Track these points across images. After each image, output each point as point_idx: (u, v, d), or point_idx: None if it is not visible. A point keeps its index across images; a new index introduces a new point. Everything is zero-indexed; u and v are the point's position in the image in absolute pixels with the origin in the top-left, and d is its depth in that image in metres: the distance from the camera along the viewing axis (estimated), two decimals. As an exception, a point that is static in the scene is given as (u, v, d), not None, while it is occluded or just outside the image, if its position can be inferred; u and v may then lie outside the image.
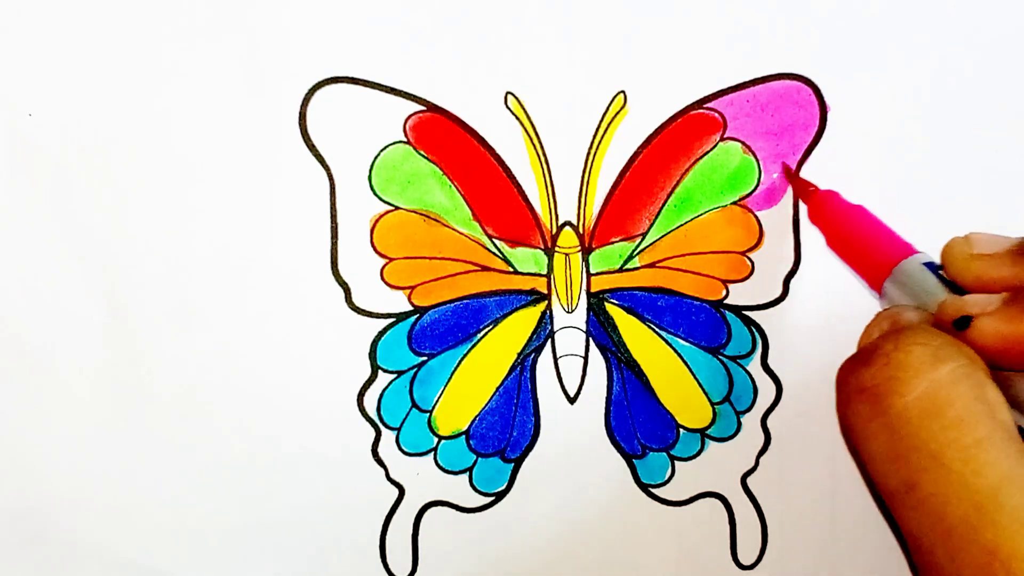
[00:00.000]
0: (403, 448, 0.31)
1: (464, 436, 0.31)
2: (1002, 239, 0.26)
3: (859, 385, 0.22)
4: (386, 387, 0.30)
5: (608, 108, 0.30)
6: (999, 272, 0.25)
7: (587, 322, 0.31)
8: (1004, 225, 0.30)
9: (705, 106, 0.30)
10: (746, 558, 0.32)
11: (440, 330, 0.31)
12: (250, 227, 0.29)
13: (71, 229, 0.29)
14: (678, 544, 0.31)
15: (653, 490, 0.31)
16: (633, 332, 0.31)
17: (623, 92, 0.30)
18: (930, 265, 0.27)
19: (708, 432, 0.31)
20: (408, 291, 0.30)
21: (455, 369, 0.31)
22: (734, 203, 0.31)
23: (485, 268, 0.30)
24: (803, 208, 0.30)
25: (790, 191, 0.30)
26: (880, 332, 0.25)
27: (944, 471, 0.21)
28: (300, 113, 0.29)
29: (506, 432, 0.31)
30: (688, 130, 0.30)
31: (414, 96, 0.30)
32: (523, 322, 0.31)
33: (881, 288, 0.27)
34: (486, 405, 0.31)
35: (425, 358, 0.31)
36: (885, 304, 0.27)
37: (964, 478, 0.21)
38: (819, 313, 0.30)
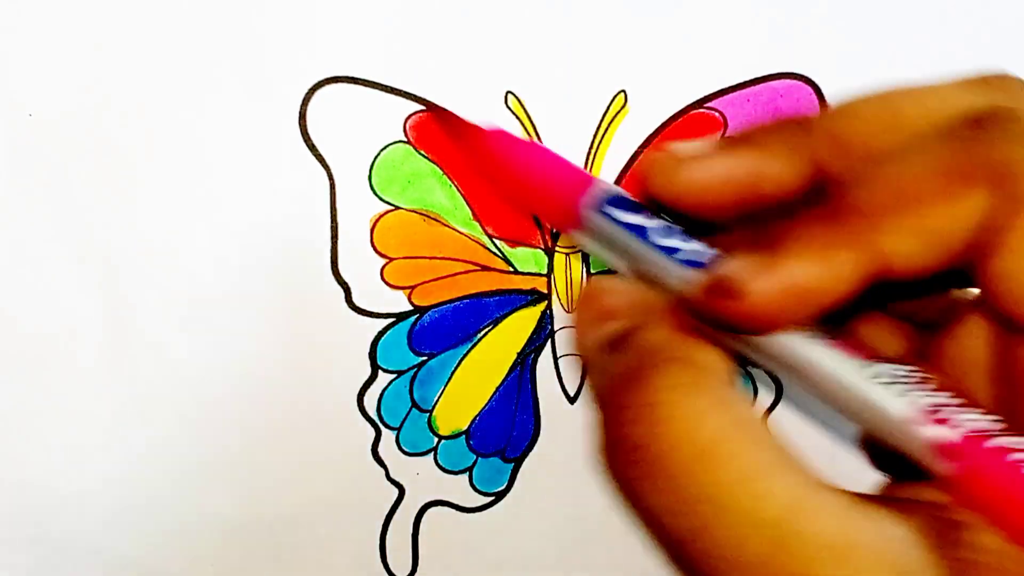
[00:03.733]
0: (403, 448, 0.31)
1: (464, 436, 0.31)
2: (703, 142, 0.23)
3: (620, 444, 0.21)
4: (386, 387, 0.30)
5: (608, 108, 0.30)
6: (715, 170, 0.22)
7: (587, 322, 0.31)
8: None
9: (705, 105, 0.30)
10: (746, 558, 0.32)
11: (440, 330, 0.31)
12: (250, 227, 0.29)
13: (71, 229, 0.29)
14: (678, 544, 0.31)
15: (653, 490, 0.31)
16: (633, 332, 0.31)
17: (623, 92, 0.30)
18: (618, 198, 0.24)
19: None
20: (408, 291, 0.30)
21: (455, 369, 0.31)
22: (734, 203, 0.31)
23: (485, 268, 0.30)
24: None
25: None
26: (586, 321, 0.23)
27: (731, 514, 0.20)
28: (300, 113, 0.29)
29: (506, 432, 0.31)
30: (688, 129, 0.30)
31: (414, 96, 0.30)
32: (523, 322, 0.31)
33: (571, 231, 0.25)
34: (486, 405, 0.31)
35: (425, 358, 0.31)
36: (586, 244, 0.25)
37: (751, 515, 0.20)
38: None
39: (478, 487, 0.31)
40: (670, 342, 0.22)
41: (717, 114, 0.30)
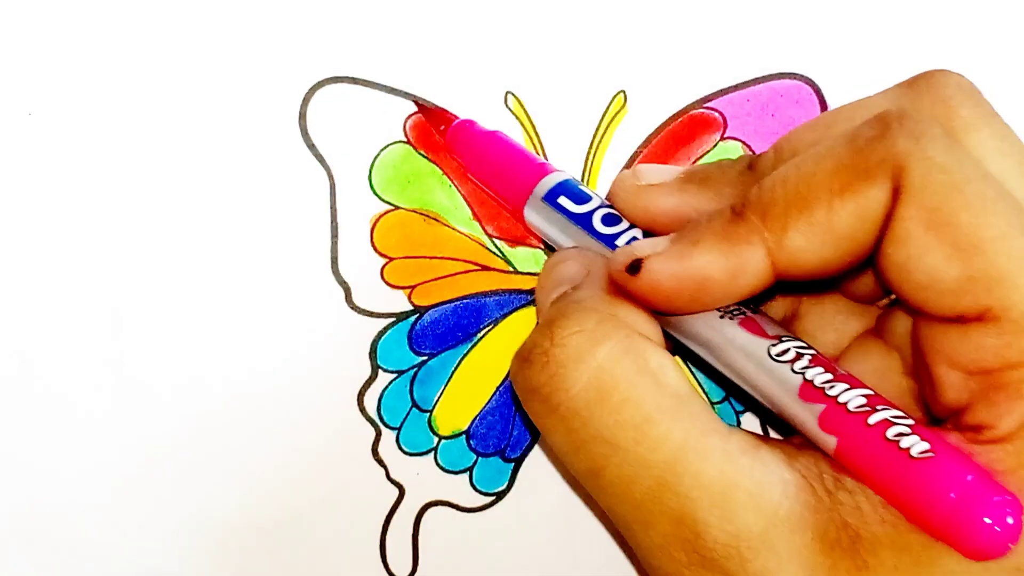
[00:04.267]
0: (403, 448, 0.31)
1: (464, 436, 0.31)
2: (671, 169, 0.26)
3: (528, 385, 0.22)
4: (386, 387, 0.30)
5: (608, 108, 0.30)
6: (666, 202, 0.25)
7: (587, 322, 0.31)
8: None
9: (705, 105, 0.30)
10: (746, 558, 0.31)
11: (440, 330, 0.31)
12: (250, 227, 0.29)
13: (70, 229, 0.29)
14: (678, 544, 0.31)
15: (653, 490, 0.31)
16: (633, 332, 0.31)
17: (623, 92, 0.30)
18: (562, 185, 0.27)
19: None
20: (408, 291, 0.30)
21: (455, 369, 0.31)
22: (734, 203, 0.31)
23: (485, 268, 0.30)
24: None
25: None
26: (545, 288, 0.25)
27: (622, 453, 0.21)
28: (300, 113, 0.29)
29: (506, 432, 0.31)
30: (688, 130, 0.30)
31: (414, 96, 0.30)
32: (523, 322, 0.31)
33: (522, 215, 0.27)
34: (486, 405, 0.31)
35: (425, 358, 0.31)
36: (536, 226, 0.27)
37: (641, 456, 0.21)
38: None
39: (478, 487, 0.31)
40: (592, 297, 0.23)
41: (717, 114, 0.30)
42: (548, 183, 0.27)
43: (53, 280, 0.29)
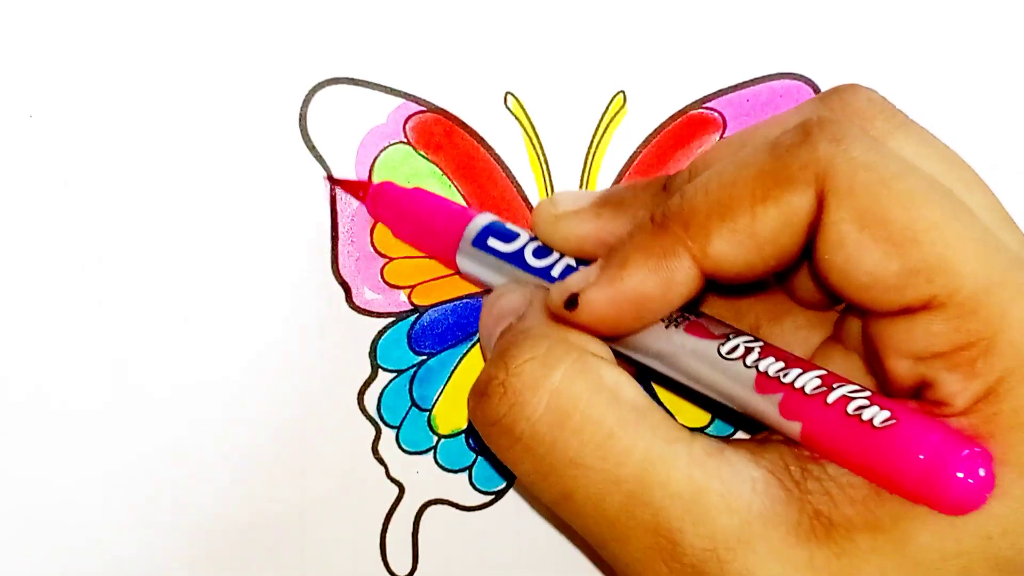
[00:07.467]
0: (403, 447, 0.31)
1: (464, 434, 0.31)
2: (586, 194, 0.26)
3: (488, 419, 0.23)
4: (386, 386, 0.31)
5: (607, 108, 0.30)
6: (584, 228, 0.25)
7: (586, 321, 0.31)
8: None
9: (705, 106, 0.30)
10: (744, 556, 0.32)
11: (440, 329, 0.31)
12: (251, 227, 0.30)
13: (70, 230, 0.29)
14: (677, 542, 0.31)
15: (652, 489, 0.31)
16: (632, 331, 0.31)
17: (622, 92, 0.30)
18: (489, 227, 0.27)
19: (707, 431, 0.31)
20: (408, 290, 0.30)
21: (454, 368, 0.31)
22: (733, 203, 0.31)
23: (485, 268, 0.31)
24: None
25: None
26: (489, 325, 0.25)
27: (590, 472, 0.21)
28: (300, 114, 0.29)
29: (506, 431, 0.31)
30: (688, 130, 0.30)
31: (414, 96, 0.30)
32: (523, 321, 0.31)
33: (456, 265, 0.28)
34: (486, 404, 0.31)
35: (425, 357, 0.31)
36: (469, 270, 0.28)
37: (609, 472, 0.21)
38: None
39: (478, 486, 0.31)
40: (539, 324, 0.24)
41: (716, 114, 0.30)
42: (475, 227, 0.27)
43: (54, 281, 0.29)
